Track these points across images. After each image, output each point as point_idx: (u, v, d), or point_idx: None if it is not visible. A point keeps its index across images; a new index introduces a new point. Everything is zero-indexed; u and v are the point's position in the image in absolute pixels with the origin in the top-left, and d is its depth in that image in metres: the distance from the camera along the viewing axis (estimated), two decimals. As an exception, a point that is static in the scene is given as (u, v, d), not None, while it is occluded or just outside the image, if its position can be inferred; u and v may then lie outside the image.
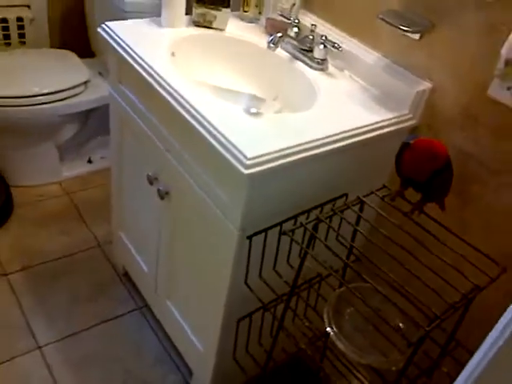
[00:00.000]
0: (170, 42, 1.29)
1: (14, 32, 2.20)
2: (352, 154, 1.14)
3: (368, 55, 1.28)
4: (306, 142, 1.02)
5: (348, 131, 1.09)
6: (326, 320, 1.00)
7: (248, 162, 0.94)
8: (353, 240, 1.13)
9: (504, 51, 0.97)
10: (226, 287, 1.14)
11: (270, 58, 1.36)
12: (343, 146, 1.07)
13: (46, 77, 1.98)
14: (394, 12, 1.17)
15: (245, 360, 1.26)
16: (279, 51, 1.35)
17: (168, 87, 1.11)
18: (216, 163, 1.05)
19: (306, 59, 1.32)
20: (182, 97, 1.08)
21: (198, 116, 1.03)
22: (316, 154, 1.03)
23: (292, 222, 1.08)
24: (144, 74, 1.16)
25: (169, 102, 1.09)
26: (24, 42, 2.25)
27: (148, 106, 1.26)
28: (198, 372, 1.45)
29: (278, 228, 1.08)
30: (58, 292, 1.72)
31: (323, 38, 1.29)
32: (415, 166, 0.95)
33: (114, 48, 1.26)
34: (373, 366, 0.96)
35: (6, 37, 2.19)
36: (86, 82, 2.03)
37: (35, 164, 2.10)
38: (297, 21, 1.36)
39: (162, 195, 1.26)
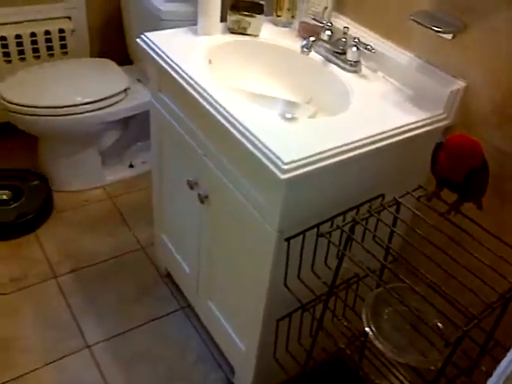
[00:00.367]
0: (206, 50, 1.33)
1: (56, 43, 2.29)
2: (388, 155, 1.15)
3: (401, 56, 1.28)
4: (341, 146, 1.04)
5: (383, 133, 1.10)
6: (364, 320, 1.02)
7: (285, 167, 0.97)
8: (390, 240, 1.14)
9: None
10: (265, 288, 1.17)
11: (304, 62, 1.38)
12: (379, 148, 1.09)
13: (87, 86, 2.06)
14: (426, 13, 1.18)
15: (285, 359, 1.29)
16: (313, 54, 1.37)
17: (205, 94, 1.15)
18: (253, 168, 1.08)
19: (339, 62, 1.34)
20: (219, 104, 1.11)
21: (235, 122, 1.07)
22: (351, 157, 1.05)
23: (329, 223, 1.11)
24: (182, 82, 1.21)
25: (206, 108, 1.13)
26: (66, 53, 2.34)
27: (186, 113, 1.31)
28: (240, 370, 1.49)
29: (316, 230, 1.10)
30: (104, 293, 1.79)
31: (356, 40, 1.31)
32: (451, 166, 0.96)
33: (153, 58, 1.31)
34: (411, 365, 0.97)
35: (49, 48, 2.29)
36: (125, 90, 2.09)
37: (79, 170, 2.19)
38: (329, 24, 1.38)
39: (202, 199, 1.31)
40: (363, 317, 1.03)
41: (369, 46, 1.29)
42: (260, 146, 1.01)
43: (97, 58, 2.35)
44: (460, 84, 1.17)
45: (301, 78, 1.39)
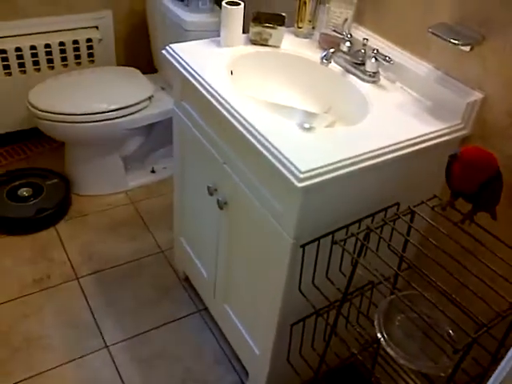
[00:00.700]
0: (228, 61, 1.37)
1: (83, 52, 2.37)
2: (404, 164, 1.17)
3: (419, 67, 1.30)
4: (358, 155, 1.06)
5: (399, 143, 1.12)
6: (376, 326, 1.04)
7: (301, 176, 1.00)
8: (404, 248, 1.16)
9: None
10: (280, 293, 1.20)
11: (324, 72, 1.41)
12: (395, 158, 1.11)
13: (113, 93, 2.12)
14: (444, 25, 1.20)
15: (299, 363, 1.32)
16: (332, 65, 1.40)
17: (226, 104, 1.18)
18: (271, 176, 1.11)
19: (358, 72, 1.37)
20: (239, 113, 1.15)
21: (254, 131, 1.10)
22: (367, 167, 1.07)
23: (344, 230, 1.13)
24: (204, 92, 1.25)
25: (226, 118, 1.17)
26: (93, 61, 2.41)
27: (207, 122, 1.35)
28: (254, 374, 1.51)
29: (331, 237, 1.12)
30: (124, 294, 1.84)
31: (375, 51, 1.33)
32: (464, 178, 0.97)
33: (176, 69, 1.35)
34: (422, 371, 0.98)
35: (77, 56, 2.36)
36: (150, 97, 2.15)
37: (103, 175, 2.25)
38: (349, 35, 1.40)
39: (221, 205, 1.34)
40: (375, 323, 1.04)
41: (387, 57, 1.31)
42: (278, 154, 1.04)
43: (122, 67, 2.41)
44: (477, 95, 1.19)
45: (320, 88, 1.42)
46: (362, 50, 1.37)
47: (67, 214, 2.15)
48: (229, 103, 1.18)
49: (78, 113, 1.99)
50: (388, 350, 1.02)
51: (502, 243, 1.00)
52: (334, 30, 1.45)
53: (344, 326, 1.21)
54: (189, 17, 1.96)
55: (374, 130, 1.16)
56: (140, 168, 2.37)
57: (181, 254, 1.82)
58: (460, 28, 1.18)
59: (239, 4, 1.40)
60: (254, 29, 1.46)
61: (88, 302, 1.80)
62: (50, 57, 2.30)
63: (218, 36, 1.45)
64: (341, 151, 1.06)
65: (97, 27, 2.37)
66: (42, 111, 1.98)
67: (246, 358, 1.54)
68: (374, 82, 1.34)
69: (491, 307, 0.87)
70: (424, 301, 0.95)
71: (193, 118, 1.41)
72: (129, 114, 2.07)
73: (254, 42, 1.48)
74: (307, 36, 1.56)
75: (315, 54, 1.44)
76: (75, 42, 2.32)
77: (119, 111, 2.04)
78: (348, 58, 1.39)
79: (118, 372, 1.59)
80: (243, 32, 1.47)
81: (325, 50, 1.34)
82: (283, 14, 1.48)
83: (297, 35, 1.57)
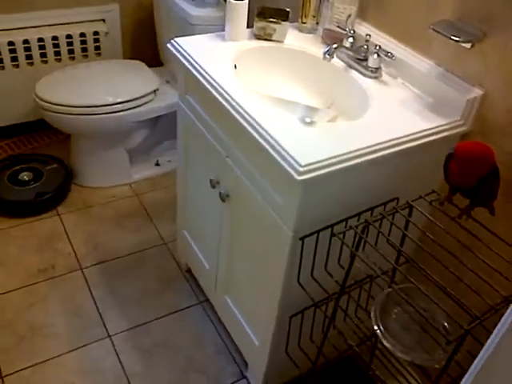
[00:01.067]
0: (232, 55, 1.38)
1: (90, 44, 2.38)
2: (404, 159, 1.18)
3: (420, 63, 1.31)
4: (357, 150, 1.08)
5: (399, 138, 1.13)
6: (373, 318, 1.06)
7: (301, 169, 1.01)
8: (402, 242, 1.17)
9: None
10: (279, 285, 1.22)
11: (326, 68, 1.42)
12: (394, 153, 1.12)
13: (119, 86, 2.14)
14: (446, 22, 1.20)
15: (297, 355, 1.33)
16: (335, 60, 1.41)
17: (229, 98, 1.20)
18: (272, 169, 1.13)
19: (360, 68, 1.38)
20: (242, 107, 1.17)
21: (256, 125, 1.12)
22: (367, 161, 1.08)
23: (343, 224, 1.15)
24: (208, 86, 1.26)
25: (230, 112, 1.18)
26: (99, 54, 2.43)
27: (211, 115, 1.36)
28: (253, 365, 1.53)
29: (330, 230, 1.14)
30: (127, 285, 1.86)
31: (377, 47, 1.34)
32: (461, 173, 0.99)
33: (181, 62, 1.37)
34: (416, 363, 1.00)
35: (84, 49, 2.38)
36: (155, 91, 2.17)
37: (108, 167, 2.27)
38: (352, 31, 1.41)
39: (223, 198, 1.36)
40: (372, 315, 1.06)
41: (389, 54, 1.32)
42: (279, 148, 1.06)
43: (128, 60, 2.43)
44: (477, 92, 1.20)
45: (323, 83, 1.44)
46: (365, 46, 1.38)
47: (67, 199, 2.20)
48: (232, 97, 1.20)
49: (84, 105, 2.01)
50: (384, 342, 1.04)
51: (498, 238, 1.01)
52: (338, 26, 1.46)
53: (342, 318, 1.23)
54: (194, 11, 1.98)
55: (374, 124, 1.17)
56: (145, 161, 2.40)
57: (183, 246, 1.84)
58: (461, 25, 1.19)
59: (244, -1, 1.42)
60: (259, 23, 1.47)
61: (91, 292, 1.82)
62: (57, 49, 2.32)
63: (223, 30, 1.47)
64: (341, 146, 1.08)
65: (104, 20, 2.39)
66: (49, 103, 2.00)
67: (246, 349, 1.56)
68: (375, 78, 1.36)
69: (485, 300, 0.88)
70: (421, 294, 0.97)
71: (196, 111, 1.43)
72: (134, 107, 2.09)
73: (258, 37, 1.49)
74: (311, 31, 1.57)
75: (319, 50, 1.45)
76: (82, 34, 2.34)
77: (125, 104, 2.06)
78: (351, 53, 1.40)
79: (120, 361, 1.62)
80: (248, 27, 1.48)
81: (328, 45, 1.36)
82: (287, 9, 1.49)
83: (301, 30, 1.58)
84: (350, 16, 1.45)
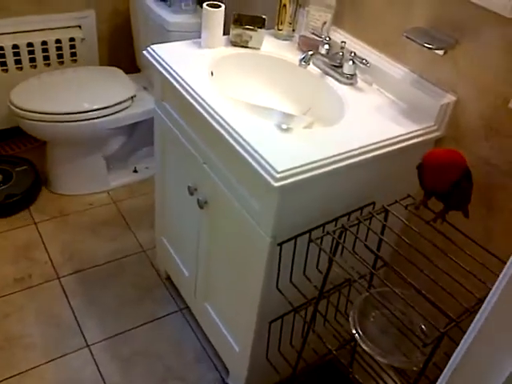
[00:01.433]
0: (209, 62, 1.38)
1: (66, 51, 2.36)
2: (379, 165, 1.20)
3: (395, 70, 1.33)
4: (333, 156, 1.09)
5: (375, 143, 1.15)
6: (351, 322, 1.07)
7: (278, 176, 1.02)
8: (379, 245, 1.19)
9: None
10: (258, 291, 1.22)
11: (302, 74, 1.44)
12: (370, 158, 1.13)
13: (95, 93, 2.12)
14: (419, 29, 1.23)
15: (278, 360, 1.34)
16: (311, 67, 1.43)
17: (206, 105, 1.20)
18: (249, 176, 1.13)
19: (336, 75, 1.39)
20: (218, 113, 1.17)
21: (233, 132, 1.12)
22: (343, 166, 1.09)
23: (321, 229, 1.15)
24: (184, 93, 1.26)
25: (206, 118, 1.18)
26: (75, 60, 2.41)
27: (188, 122, 1.36)
28: (234, 371, 1.53)
29: (307, 235, 1.15)
30: (106, 294, 1.84)
31: (352, 54, 1.36)
32: (433, 180, 1.01)
33: (157, 69, 1.36)
34: (395, 366, 1.01)
35: (60, 56, 2.36)
36: (132, 97, 2.16)
37: (85, 174, 2.25)
38: (328, 38, 1.43)
39: (201, 205, 1.36)
40: (350, 319, 1.07)
41: (364, 61, 1.34)
42: (255, 155, 1.06)
43: (105, 66, 2.42)
44: (450, 98, 1.22)
45: (299, 89, 1.45)
46: (340, 53, 1.40)
47: (43, 207, 2.18)
48: (208, 104, 1.20)
49: (60, 112, 1.99)
50: (363, 345, 1.05)
51: (472, 241, 1.03)
52: (313, 33, 1.48)
53: (322, 323, 1.24)
54: (171, 17, 1.98)
55: (350, 131, 1.18)
56: (122, 167, 2.38)
57: (162, 253, 1.83)
58: (435, 32, 1.22)
59: (220, 6, 1.42)
60: (235, 31, 1.48)
61: (69, 302, 1.80)
62: (32, 56, 2.29)
63: (200, 37, 1.47)
64: (317, 152, 1.09)
65: (80, 26, 2.37)
66: (24, 110, 1.98)
67: (227, 356, 1.56)
68: (351, 84, 1.37)
69: (460, 303, 0.90)
70: (399, 297, 0.98)
71: (173, 118, 1.43)
72: (111, 114, 2.08)
73: (234, 44, 1.50)
74: (287, 38, 1.58)
75: (295, 56, 1.46)
76: (58, 41, 2.32)
77: (101, 111, 2.04)
78: (326, 60, 1.42)
79: (99, 371, 1.60)
80: (224, 34, 1.49)
81: (304, 52, 1.37)
82: (263, 17, 1.50)
83: (277, 37, 1.59)
84: (325, 23, 1.47)
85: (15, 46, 2.23)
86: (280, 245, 1.12)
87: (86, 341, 1.68)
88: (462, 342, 0.59)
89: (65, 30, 2.34)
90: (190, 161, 1.39)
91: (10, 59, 2.24)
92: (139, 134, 2.32)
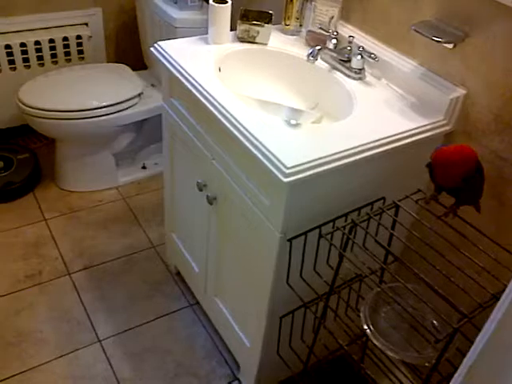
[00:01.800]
0: (216, 58, 1.38)
1: (73, 49, 2.37)
2: (389, 159, 1.19)
3: (404, 64, 1.32)
4: (342, 151, 1.08)
5: (384, 138, 1.14)
6: (362, 318, 1.07)
7: (288, 171, 1.02)
8: (390, 241, 1.18)
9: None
10: (269, 286, 1.22)
11: (310, 69, 1.43)
12: (379, 153, 1.13)
13: (103, 90, 2.12)
14: (427, 23, 1.22)
15: (289, 355, 1.34)
16: (319, 62, 1.42)
17: (214, 101, 1.20)
18: (258, 171, 1.13)
19: (344, 69, 1.39)
20: (226, 110, 1.17)
21: (241, 128, 1.12)
22: (352, 162, 1.09)
23: (331, 224, 1.15)
24: (192, 89, 1.26)
25: (215, 115, 1.18)
26: (83, 58, 2.42)
27: (196, 118, 1.36)
28: (245, 366, 1.54)
29: (317, 231, 1.15)
30: (116, 289, 1.85)
31: (360, 48, 1.35)
32: (444, 176, 1.00)
33: (165, 66, 1.36)
34: (406, 361, 1.01)
35: (67, 53, 2.37)
36: (140, 94, 2.16)
37: (94, 171, 2.26)
38: (335, 33, 1.42)
39: (211, 201, 1.36)
40: (361, 315, 1.07)
41: (373, 55, 1.33)
42: (264, 150, 1.06)
43: (112, 64, 2.42)
44: (460, 91, 1.21)
45: (307, 84, 1.44)
46: (348, 48, 1.39)
47: (52, 204, 2.20)
48: (216, 100, 1.20)
49: (69, 110, 2.00)
50: (374, 341, 1.05)
51: (485, 236, 1.03)
52: (321, 28, 1.47)
53: (332, 318, 1.24)
54: (178, 14, 1.97)
55: (359, 126, 1.18)
56: (131, 164, 2.39)
57: (172, 249, 1.84)
58: (443, 25, 1.21)
59: (226, 2, 1.42)
60: (242, 26, 1.48)
61: (80, 297, 1.81)
62: (39, 54, 2.30)
63: (207, 33, 1.47)
64: (326, 147, 1.08)
65: (87, 24, 2.38)
66: (32, 108, 1.99)
67: (237, 351, 1.56)
68: (359, 79, 1.36)
69: (473, 298, 0.89)
70: (410, 293, 0.98)
71: (181, 114, 1.43)
72: (119, 111, 2.08)
73: (241, 40, 1.49)
74: (294, 33, 1.58)
75: (302, 52, 1.46)
76: (65, 38, 2.32)
77: (109, 108, 2.05)
78: (334, 55, 1.41)
79: (111, 366, 1.61)
80: (231, 29, 1.48)
81: (311, 47, 1.36)
82: (270, 12, 1.49)
83: (284, 32, 1.58)
84: (332, 18, 1.46)
85: (23, 45, 2.23)
86: (290, 240, 1.12)
87: (97, 336, 1.69)
88: (479, 337, 0.58)
89: (72, 28, 2.34)
90: (199, 157, 1.39)
91: (17, 57, 2.25)
92: (147, 130, 2.32)
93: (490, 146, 1.18)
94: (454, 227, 1.05)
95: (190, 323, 1.76)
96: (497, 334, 0.56)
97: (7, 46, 2.20)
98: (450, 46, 1.20)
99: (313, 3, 1.48)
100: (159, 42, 1.41)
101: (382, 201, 1.21)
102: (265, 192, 1.14)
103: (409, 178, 1.26)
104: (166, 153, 1.62)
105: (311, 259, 1.20)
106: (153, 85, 2.29)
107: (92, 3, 2.35)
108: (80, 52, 2.39)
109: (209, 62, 1.36)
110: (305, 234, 1.13)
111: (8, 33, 2.21)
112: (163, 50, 1.38)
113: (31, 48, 2.26)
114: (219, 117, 1.17)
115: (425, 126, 1.21)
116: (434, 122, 1.22)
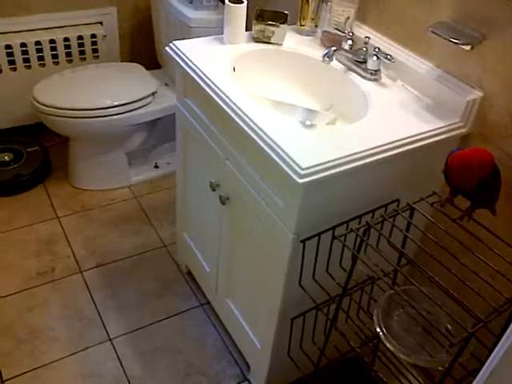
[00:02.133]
0: (231, 58, 1.38)
1: (88, 47, 2.38)
2: (404, 162, 1.18)
3: (420, 65, 1.31)
4: (357, 153, 1.08)
5: (399, 140, 1.13)
6: (375, 320, 1.06)
7: (302, 172, 1.01)
8: (404, 244, 1.17)
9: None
10: (281, 287, 1.22)
11: (326, 70, 1.42)
12: (394, 155, 1.12)
13: (117, 89, 2.13)
14: (444, 24, 1.21)
15: (299, 357, 1.33)
16: (334, 63, 1.41)
17: (229, 101, 1.20)
18: (272, 172, 1.13)
19: (359, 70, 1.38)
20: (242, 110, 1.17)
21: (257, 128, 1.12)
22: (367, 164, 1.08)
23: (344, 226, 1.15)
24: (207, 89, 1.26)
25: (229, 115, 1.18)
26: (97, 57, 2.43)
27: (210, 118, 1.36)
28: (255, 367, 1.53)
29: (331, 232, 1.14)
30: (127, 288, 1.86)
31: (376, 49, 1.34)
32: (460, 180, 0.99)
33: (180, 65, 1.37)
34: (419, 365, 1.00)
35: (82, 52, 2.38)
36: (153, 93, 2.17)
37: (106, 170, 2.27)
38: (351, 34, 1.42)
39: (223, 201, 1.36)
40: (374, 317, 1.06)
41: (389, 56, 1.33)
42: (279, 151, 1.06)
43: (126, 63, 2.43)
44: (477, 94, 1.20)
45: (322, 85, 1.44)
46: (364, 49, 1.38)
47: (65, 201, 2.22)
48: (231, 100, 1.20)
49: (83, 108, 2.01)
50: (387, 343, 1.04)
51: (500, 240, 1.02)
52: (336, 29, 1.46)
53: (344, 320, 1.23)
54: (193, 14, 1.98)
55: (374, 127, 1.17)
56: (143, 163, 2.40)
57: (183, 248, 1.84)
58: (461, 27, 1.20)
59: (242, 2, 1.42)
60: (257, 26, 1.47)
61: (92, 295, 1.82)
62: (54, 52, 2.32)
63: (222, 33, 1.47)
64: (341, 148, 1.08)
65: (101, 23, 2.39)
66: (47, 106, 2.00)
67: (248, 352, 1.56)
68: (375, 80, 1.36)
69: (488, 302, 0.88)
70: (424, 296, 0.97)
71: (195, 114, 1.43)
72: (132, 110, 2.09)
73: (256, 40, 1.49)
74: (310, 34, 1.57)
75: (318, 52, 1.45)
76: (80, 37, 2.33)
77: (123, 107, 2.06)
78: (350, 56, 1.40)
79: (121, 364, 1.62)
80: (246, 29, 1.48)
81: (327, 47, 1.36)
82: (286, 12, 1.49)
83: (299, 33, 1.58)
84: (348, 18, 1.45)
85: (38, 43, 2.25)
86: (303, 242, 1.12)
87: (108, 334, 1.70)
88: (500, 344, 0.57)
89: (86, 27, 2.36)
90: (212, 157, 1.39)
91: (32, 56, 2.27)
92: (160, 129, 2.33)
93: (507, 149, 1.17)
94: (469, 230, 1.04)
95: (200, 323, 1.76)
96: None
97: (22, 45, 2.22)
98: (468, 47, 1.19)
99: (329, 4, 1.47)
100: (174, 42, 1.41)
101: (396, 203, 1.20)
102: (279, 193, 1.14)
103: (423, 180, 1.25)
104: (179, 152, 1.62)
105: (324, 261, 1.19)
106: (166, 84, 2.30)
107: (107, 2, 2.36)
108: (94, 51, 2.41)
109: (223, 62, 1.35)
110: (318, 235, 1.13)
111: (23, 31, 2.23)
112: (178, 50, 1.39)
113: (46, 46, 2.28)
114: (233, 116, 1.17)
115: (440, 128, 1.20)
116: (449, 125, 1.21)
